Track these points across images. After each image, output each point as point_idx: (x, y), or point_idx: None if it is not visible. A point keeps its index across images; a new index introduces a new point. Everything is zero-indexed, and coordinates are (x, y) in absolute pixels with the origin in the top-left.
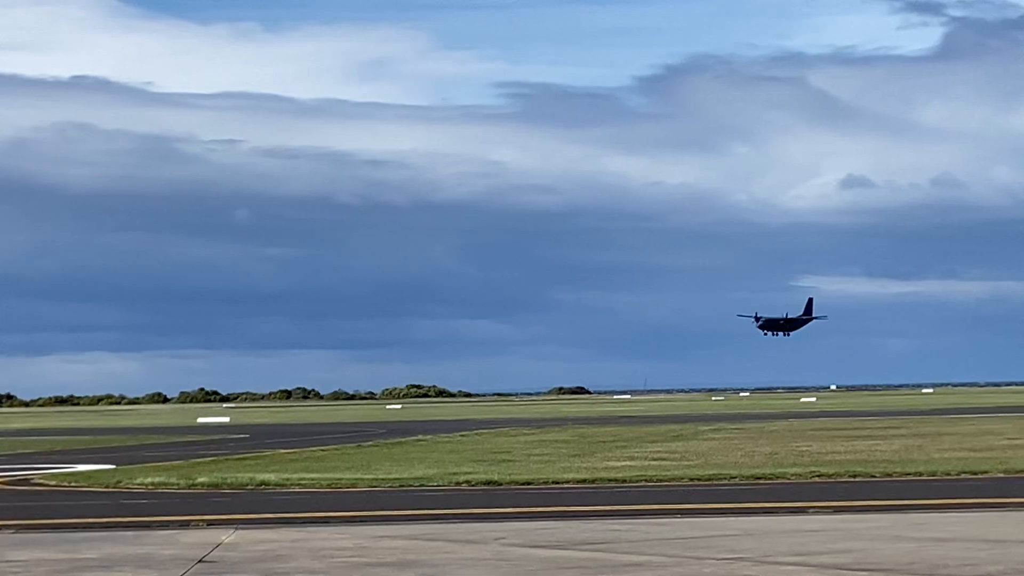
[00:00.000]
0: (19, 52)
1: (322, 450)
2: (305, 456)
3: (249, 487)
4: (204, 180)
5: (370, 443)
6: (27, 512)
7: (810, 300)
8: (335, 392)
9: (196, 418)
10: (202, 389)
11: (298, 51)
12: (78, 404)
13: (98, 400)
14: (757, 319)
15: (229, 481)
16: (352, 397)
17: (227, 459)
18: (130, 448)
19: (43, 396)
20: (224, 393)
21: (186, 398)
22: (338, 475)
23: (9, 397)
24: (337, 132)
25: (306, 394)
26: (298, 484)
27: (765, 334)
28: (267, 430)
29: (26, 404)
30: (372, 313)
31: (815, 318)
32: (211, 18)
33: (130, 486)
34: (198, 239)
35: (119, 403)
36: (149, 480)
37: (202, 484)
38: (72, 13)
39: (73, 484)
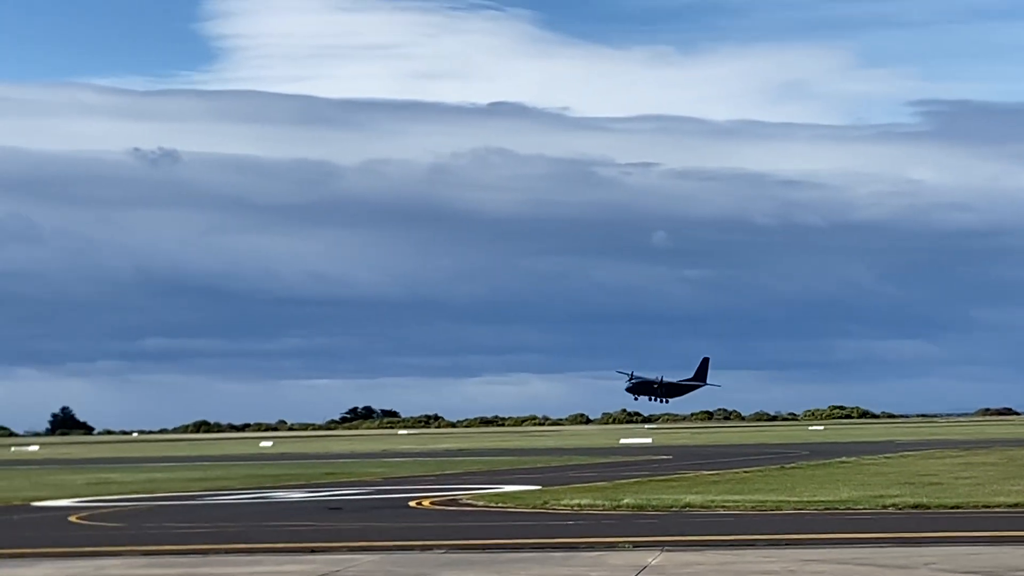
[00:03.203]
0: (441, 80)
1: (745, 472)
2: (728, 478)
3: (674, 508)
4: (620, 203)
5: (793, 465)
6: (457, 532)
7: (705, 361)
8: (756, 413)
9: (619, 439)
10: (624, 410)
11: (714, 73)
12: (502, 424)
13: (522, 421)
14: (631, 378)
15: (654, 503)
16: (774, 418)
17: (651, 480)
18: (555, 469)
19: (469, 417)
20: (646, 414)
21: (608, 419)
22: (762, 497)
23: (436, 418)
24: (752, 153)
25: (727, 415)
26: (722, 506)
27: (635, 399)
28: (689, 451)
29: (452, 424)
30: (792, 334)
31: (703, 385)
32: (628, 42)
33: (556, 507)
34: (616, 261)
35: (542, 424)
36: (575, 501)
37: (627, 505)
38: (491, 41)
39: (500, 504)
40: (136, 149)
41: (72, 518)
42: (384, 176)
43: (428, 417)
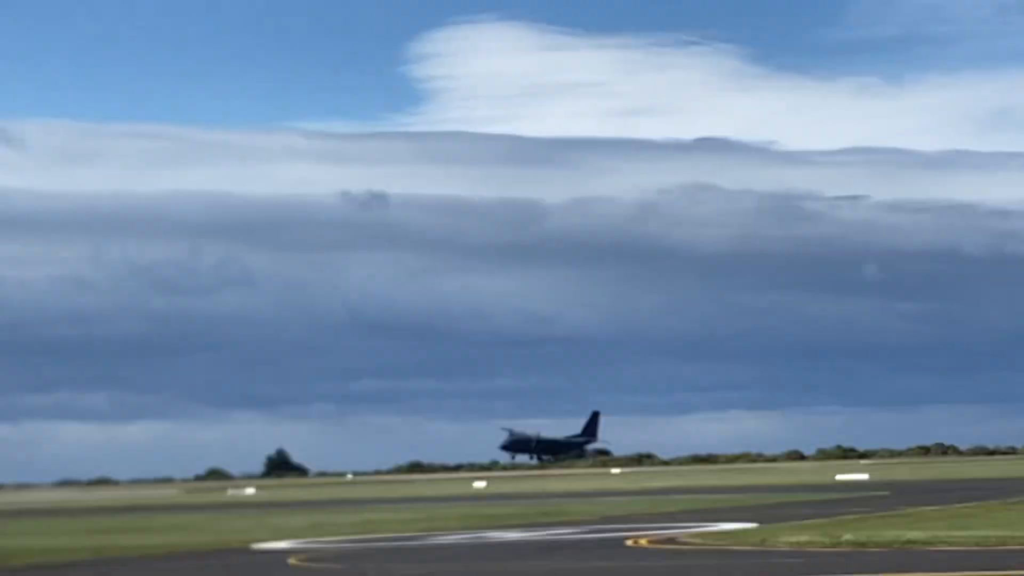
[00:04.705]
0: (647, 116)
1: (966, 507)
2: (949, 513)
3: (895, 545)
4: (829, 236)
5: (1016, 499)
6: (675, 571)
7: (594, 415)
8: (974, 447)
9: (834, 475)
10: (839, 446)
11: (922, 103)
12: (716, 462)
13: (736, 458)
14: (511, 435)
15: (875, 539)
16: (992, 452)
17: (870, 516)
18: (771, 506)
19: (682, 454)
20: (861, 449)
21: (823, 455)
22: (986, 532)
23: (649, 456)
24: (963, 183)
25: (944, 450)
26: (945, 542)
27: (512, 457)
28: (908, 486)
29: (666, 463)
30: (1008, 366)
31: (592, 441)
32: (833, 74)
33: (775, 544)
34: (827, 296)
35: (756, 461)
36: (794, 538)
37: (848, 542)
38: (697, 77)
39: (718, 543)
40: (345, 192)
41: (291, 560)
42: (592, 214)
43: (641, 455)
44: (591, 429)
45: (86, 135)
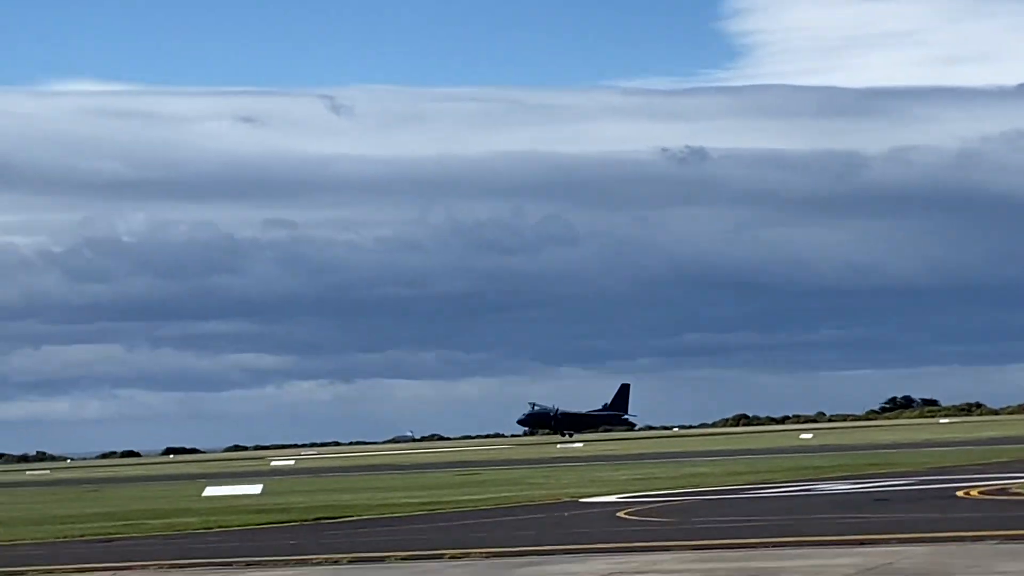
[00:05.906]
0: (967, 64)
1: None
2: None
3: None
4: None
5: None
6: (1009, 522)
7: (623, 388)
8: None
9: None
10: None
11: None
12: None
13: None
14: (533, 408)
15: None
16: None
17: None
18: None
19: (1011, 404)
20: None
21: None
22: None
23: (978, 405)
24: None
25: None
26: None
27: (533, 431)
28: None
29: (994, 412)
30: None
31: (620, 415)
32: None
33: None
34: None
35: None
36: None
37: None
38: (1018, 22)
39: None
40: (664, 148)
41: (621, 514)
42: (912, 163)
43: (969, 405)
44: (620, 402)
45: (411, 100)
